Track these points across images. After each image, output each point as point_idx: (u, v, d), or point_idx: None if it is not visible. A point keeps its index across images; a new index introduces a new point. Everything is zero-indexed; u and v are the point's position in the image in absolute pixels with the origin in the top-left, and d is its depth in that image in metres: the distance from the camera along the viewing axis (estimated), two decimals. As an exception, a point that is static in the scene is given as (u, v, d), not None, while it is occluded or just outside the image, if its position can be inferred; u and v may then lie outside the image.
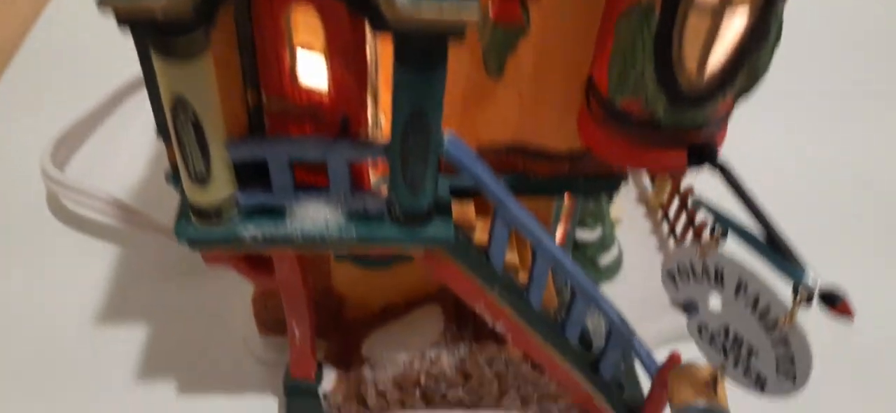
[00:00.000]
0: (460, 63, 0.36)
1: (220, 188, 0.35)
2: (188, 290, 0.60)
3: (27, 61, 0.84)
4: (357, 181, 0.37)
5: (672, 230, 0.63)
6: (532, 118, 0.38)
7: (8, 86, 0.80)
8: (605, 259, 0.59)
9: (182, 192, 0.36)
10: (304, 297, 0.43)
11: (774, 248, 0.32)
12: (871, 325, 0.60)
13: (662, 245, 0.64)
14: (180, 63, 0.29)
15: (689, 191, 0.60)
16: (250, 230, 0.36)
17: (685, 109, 0.32)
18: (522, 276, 0.44)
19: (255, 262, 0.41)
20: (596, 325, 0.52)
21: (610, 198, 0.42)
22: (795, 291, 0.33)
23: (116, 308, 0.59)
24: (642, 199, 0.69)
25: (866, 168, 0.76)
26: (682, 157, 0.34)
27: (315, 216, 0.37)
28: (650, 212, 0.67)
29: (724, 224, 0.35)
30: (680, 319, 0.57)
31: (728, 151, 0.35)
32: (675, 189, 0.62)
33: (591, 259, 0.59)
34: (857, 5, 0.99)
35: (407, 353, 0.48)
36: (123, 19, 0.27)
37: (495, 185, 0.37)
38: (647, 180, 0.71)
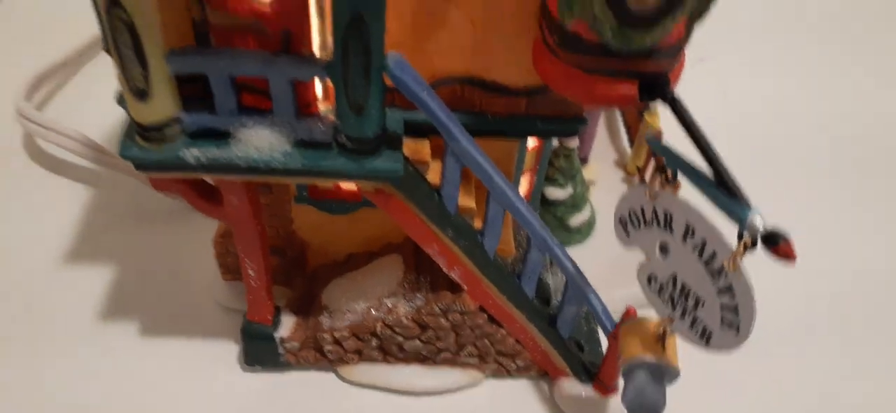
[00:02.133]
0: (409, -14, 0.35)
1: (163, 105, 0.34)
2: (158, 233, 0.60)
3: (12, 6, 0.84)
4: (303, 106, 0.36)
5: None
6: (486, 47, 0.37)
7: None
8: (576, 220, 0.58)
9: (128, 112, 0.35)
10: (256, 232, 0.42)
11: (721, 186, 0.31)
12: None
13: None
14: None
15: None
16: (193, 153, 0.36)
17: (633, 31, 0.31)
18: (478, 223, 0.43)
19: (204, 191, 0.40)
20: (557, 284, 0.51)
21: (573, 133, 0.41)
22: (740, 235, 0.32)
23: (84, 249, 0.59)
24: (620, 163, 0.68)
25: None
26: (633, 89, 0.33)
27: (260, 142, 0.36)
28: (628, 177, 0.66)
29: (673, 163, 0.33)
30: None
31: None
32: (651, 151, 0.61)
33: (561, 219, 0.58)
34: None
35: (365, 301, 0.47)
36: None
37: (444, 113, 0.36)
38: (625, 142, 0.69)
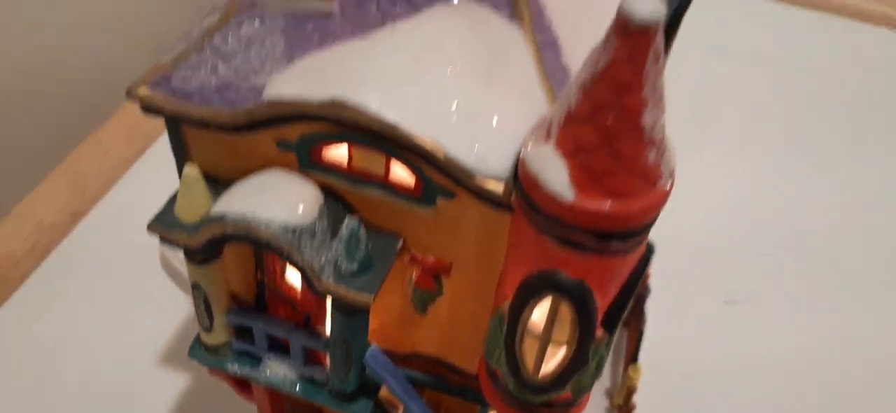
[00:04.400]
0: (395, 298, 0.49)
1: (219, 337, 0.51)
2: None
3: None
4: (314, 357, 0.51)
5: (616, 431, 0.72)
6: (450, 348, 0.51)
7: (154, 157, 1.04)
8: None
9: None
10: (272, 415, 0.57)
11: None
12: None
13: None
14: (197, 265, 0.45)
15: (633, 406, 0.69)
16: (234, 366, 0.51)
17: (528, 391, 0.43)
18: (434, 454, 0.56)
19: (241, 384, 0.56)
20: None
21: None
22: None
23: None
24: (611, 392, 0.78)
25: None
26: (533, 424, 0.45)
27: (278, 371, 0.51)
28: (610, 408, 0.76)
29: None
30: None
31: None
32: (627, 396, 0.71)
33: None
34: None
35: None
36: (163, 240, 0.43)
37: (404, 393, 0.49)
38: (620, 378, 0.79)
